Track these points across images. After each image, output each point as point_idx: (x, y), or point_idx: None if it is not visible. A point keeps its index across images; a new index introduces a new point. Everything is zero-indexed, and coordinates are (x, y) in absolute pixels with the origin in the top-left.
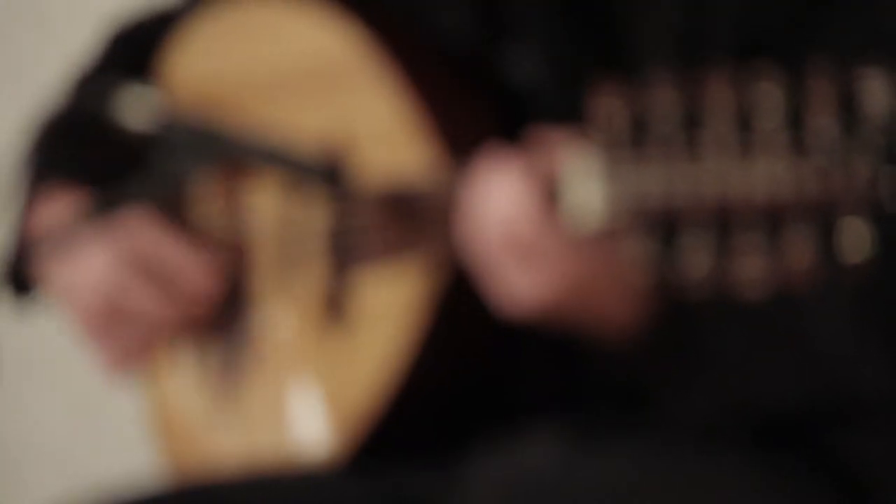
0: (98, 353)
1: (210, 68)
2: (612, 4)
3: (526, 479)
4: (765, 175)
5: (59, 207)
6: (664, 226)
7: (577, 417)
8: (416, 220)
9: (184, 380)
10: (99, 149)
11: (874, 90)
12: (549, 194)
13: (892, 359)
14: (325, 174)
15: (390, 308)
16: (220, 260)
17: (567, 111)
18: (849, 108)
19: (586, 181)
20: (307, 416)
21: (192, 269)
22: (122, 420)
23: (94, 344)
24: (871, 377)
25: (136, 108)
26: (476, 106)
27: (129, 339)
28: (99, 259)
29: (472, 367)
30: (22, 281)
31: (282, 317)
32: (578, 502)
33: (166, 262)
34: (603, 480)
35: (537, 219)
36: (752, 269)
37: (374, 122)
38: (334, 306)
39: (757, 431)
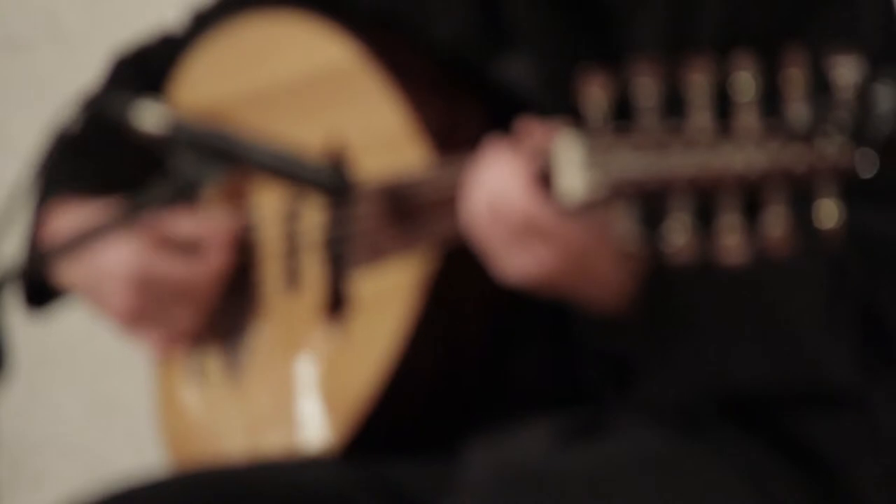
0: (144, 341)
1: (213, 90)
2: (604, 10)
3: (519, 468)
4: (740, 156)
5: (72, 217)
6: (648, 200)
7: (565, 414)
8: (415, 211)
9: (189, 381)
10: (113, 158)
11: (845, 78)
12: (538, 174)
13: (857, 340)
14: (332, 186)
15: (384, 296)
16: (229, 226)
17: (560, 112)
18: (821, 94)
19: (572, 162)
20: (309, 413)
21: (207, 232)
22: (136, 414)
23: (138, 334)
24: (838, 357)
25: (150, 118)
26: (471, 111)
27: (170, 319)
28: (119, 249)
29: (465, 350)
30: (37, 289)
31: (285, 315)
32: (566, 488)
33: (182, 231)
34: (587, 469)
35: (525, 196)
36: (731, 237)
37: (372, 131)
38: (335, 301)
39: (730, 413)
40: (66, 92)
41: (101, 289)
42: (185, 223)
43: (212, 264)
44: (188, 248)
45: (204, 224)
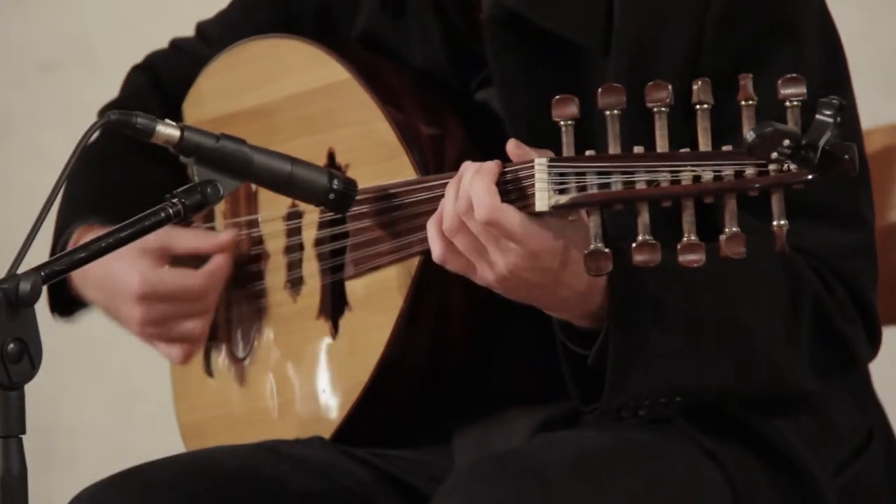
0: (161, 352)
1: (218, 108)
2: (573, 53)
3: (499, 456)
4: (697, 175)
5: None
6: (611, 209)
7: (545, 408)
8: (403, 218)
9: (200, 376)
10: (136, 181)
11: (790, 108)
12: (508, 192)
13: (815, 347)
14: (336, 201)
15: (375, 294)
16: (226, 235)
17: (530, 137)
18: (768, 122)
19: (541, 188)
20: (308, 408)
21: (206, 242)
22: (155, 404)
23: (155, 345)
24: (800, 365)
25: (168, 133)
26: (453, 129)
27: (180, 330)
28: (128, 268)
29: (451, 346)
30: (62, 300)
31: (285, 312)
32: (544, 472)
33: (183, 245)
34: (564, 454)
35: (493, 206)
36: (690, 239)
37: (364, 144)
38: (331, 299)
39: (698, 414)
40: (96, 110)
41: (117, 307)
42: (186, 237)
43: (212, 271)
44: (190, 260)
45: (203, 235)
